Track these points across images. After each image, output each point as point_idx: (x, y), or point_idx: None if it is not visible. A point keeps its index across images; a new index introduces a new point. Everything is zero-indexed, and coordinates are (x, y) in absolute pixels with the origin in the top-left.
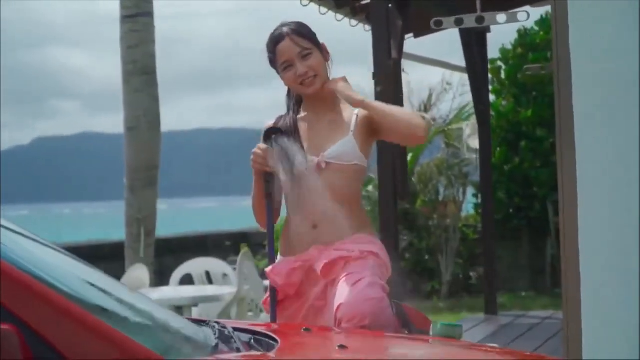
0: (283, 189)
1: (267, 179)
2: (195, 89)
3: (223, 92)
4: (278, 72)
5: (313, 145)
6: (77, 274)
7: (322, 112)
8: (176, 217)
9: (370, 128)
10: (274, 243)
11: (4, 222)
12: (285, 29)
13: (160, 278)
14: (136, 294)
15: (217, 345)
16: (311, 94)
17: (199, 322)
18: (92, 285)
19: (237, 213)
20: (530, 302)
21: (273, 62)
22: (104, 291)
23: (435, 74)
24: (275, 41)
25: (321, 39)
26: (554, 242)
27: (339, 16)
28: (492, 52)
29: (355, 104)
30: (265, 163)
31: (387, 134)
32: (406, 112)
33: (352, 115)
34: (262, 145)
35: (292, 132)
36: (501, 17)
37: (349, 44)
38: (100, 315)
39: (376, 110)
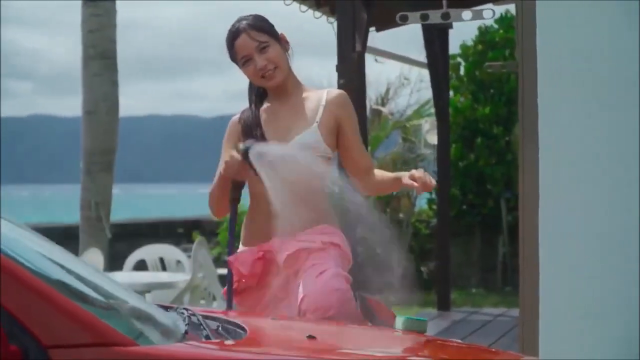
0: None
1: (235, 185)
2: (149, 75)
3: (177, 79)
4: (240, 67)
5: (277, 136)
6: (49, 255)
7: (286, 101)
8: (130, 202)
9: (334, 127)
10: (233, 245)
11: None
12: (241, 24)
13: (114, 263)
14: (108, 278)
15: (186, 332)
16: (273, 86)
17: (167, 309)
18: (66, 267)
19: (190, 200)
20: (480, 299)
21: (233, 57)
22: (76, 274)
23: (393, 68)
24: (232, 37)
25: (284, 30)
26: (506, 239)
27: (304, 7)
28: (452, 48)
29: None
30: (237, 173)
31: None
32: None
33: (318, 105)
34: (237, 156)
35: (254, 125)
36: (466, 14)
37: (312, 35)
38: (73, 298)
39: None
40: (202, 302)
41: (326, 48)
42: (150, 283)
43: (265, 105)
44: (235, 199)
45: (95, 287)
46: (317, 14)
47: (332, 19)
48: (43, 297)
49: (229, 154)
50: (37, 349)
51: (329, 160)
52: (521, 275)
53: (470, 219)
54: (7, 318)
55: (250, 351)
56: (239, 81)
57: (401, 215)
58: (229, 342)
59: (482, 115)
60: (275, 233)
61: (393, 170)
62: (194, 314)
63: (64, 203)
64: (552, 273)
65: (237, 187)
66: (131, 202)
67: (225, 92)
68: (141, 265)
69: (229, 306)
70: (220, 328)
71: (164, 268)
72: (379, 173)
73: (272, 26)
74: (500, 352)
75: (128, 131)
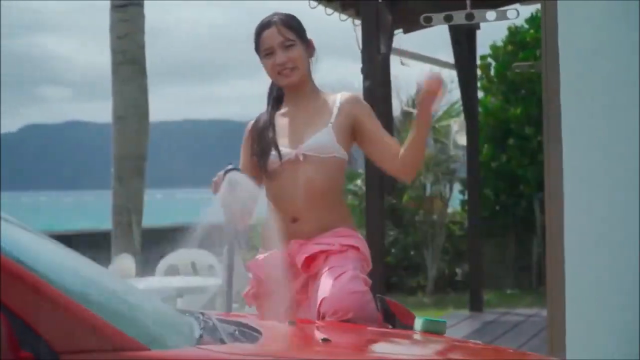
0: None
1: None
2: (182, 79)
3: (210, 83)
4: (260, 59)
5: (292, 139)
6: (63, 262)
7: (302, 104)
8: (163, 207)
9: (352, 125)
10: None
11: None
12: (274, 18)
13: (146, 268)
14: (123, 283)
15: (201, 336)
16: (287, 86)
17: (184, 313)
18: (80, 273)
19: None
20: (515, 300)
21: (257, 47)
22: (91, 280)
23: (423, 69)
24: (261, 27)
25: (310, 32)
26: (540, 240)
27: (329, 10)
28: (483, 48)
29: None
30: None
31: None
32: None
33: (332, 106)
34: (221, 174)
35: (267, 129)
36: (491, 14)
37: (337, 38)
38: (86, 304)
39: (425, 132)
40: (235, 305)
41: (353, 50)
42: (181, 288)
43: (282, 109)
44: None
45: (108, 292)
46: (343, 16)
47: (357, 22)
48: (54, 303)
49: (244, 158)
50: (49, 355)
51: (343, 162)
52: (548, 277)
53: (504, 219)
54: (19, 324)
55: (264, 355)
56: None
57: (434, 216)
58: (243, 346)
59: (513, 115)
60: (293, 237)
61: (426, 173)
62: (209, 318)
63: (99, 209)
64: (578, 275)
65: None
66: (165, 207)
67: (258, 95)
68: (173, 270)
69: (229, 308)
70: (236, 332)
71: (195, 273)
72: (402, 147)
73: (304, 30)
74: (524, 353)
75: (162, 136)
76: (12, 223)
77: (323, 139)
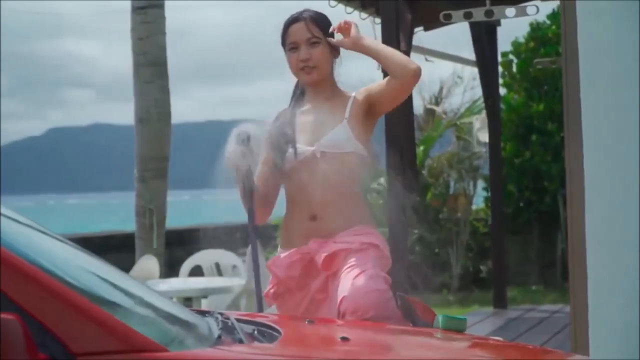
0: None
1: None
2: (206, 80)
3: (235, 83)
4: (285, 52)
5: (309, 136)
6: (81, 264)
7: (321, 103)
8: (186, 208)
9: (368, 108)
10: (257, 250)
11: (8, 213)
12: (305, 14)
13: (170, 269)
14: (140, 285)
15: (220, 336)
16: (307, 84)
17: (203, 313)
18: (96, 275)
19: None
20: (540, 296)
21: (283, 40)
22: (108, 282)
23: (446, 67)
24: (290, 21)
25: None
26: (564, 236)
27: (349, 9)
28: (504, 45)
29: (349, 43)
30: (237, 159)
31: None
32: (398, 53)
33: (347, 103)
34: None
35: (286, 125)
36: (510, 10)
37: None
38: (103, 306)
39: (370, 48)
40: None
41: None
42: (205, 288)
43: (303, 107)
44: (250, 209)
45: (125, 293)
46: (363, 15)
47: (378, 20)
48: (71, 305)
49: (264, 155)
50: (66, 357)
51: (361, 158)
52: (570, 273)
53: (528, 216)
54: (36, 327)
55: (283, 354)
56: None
57: (458, 214)
58: (262, 345)
59: (536, 112)
60: (313, 235)
61: (449, 171)
62: (228, 318)
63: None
64: (601, 271)
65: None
66: (189, 208)
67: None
68: (197, 271)
69: (260, 309)
70: (255, 331)
71: (219, 273)
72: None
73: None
74: (545, 350)
75: (187, 137)
76: (29, 226)
77: (340, 135)
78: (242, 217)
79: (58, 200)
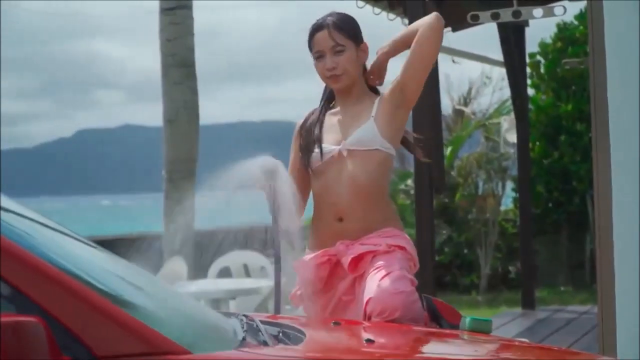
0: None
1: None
2: (236, 81)
3: (265, 84)
4: (313, 60)
5: (336, 137)
6: (104, 266)
7: (349, 104)
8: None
9: (397, 99)
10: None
11: (31, 215)
12: (328, 20)
13: (198, 271)
14: (165, 286)
15: (244, 338)
16: (337, 89)
17: (228, 315)
18: (120, 277)
19: None
20: (569, 297)
21: (310, 48)
22: (131, 283)
23: (475, 67)
24: (314, 29)
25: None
26: (592, 236)
27: (377, 10)
28: (532, 46)
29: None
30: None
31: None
32: (417, 28)
33: (374, 100)
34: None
35: (314, 126)
36: (538, 11)
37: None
38: (127, 308)
39: (396, 45)
40: (287, 307)
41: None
42: (234, 290)
43: (332, 108)
44: (275, 211)
45: (148, 295)
46: (391, 15)
47: (406, 21)
48: (95, 307)
49: (293, 156)
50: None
51: (388, 156)
52: (598, 274)
53: (557, 216)
54: (60, 329)
55: (307, 356)
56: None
57: (487, 214)
58: (286, 347)
59: (564, 112)
60: (340, 237)
61: (478, 171)
62: (253, 320)
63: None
64: (628, 272)
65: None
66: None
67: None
68: (225, 273)
69: (277, 311)
70: (280, 334)
71: (248, 274)
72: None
73: (358, 32)
74: (571, 352)
75: (217, 138)
76: (51, 228)
77: (366, 132)
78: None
79: (88, 202)
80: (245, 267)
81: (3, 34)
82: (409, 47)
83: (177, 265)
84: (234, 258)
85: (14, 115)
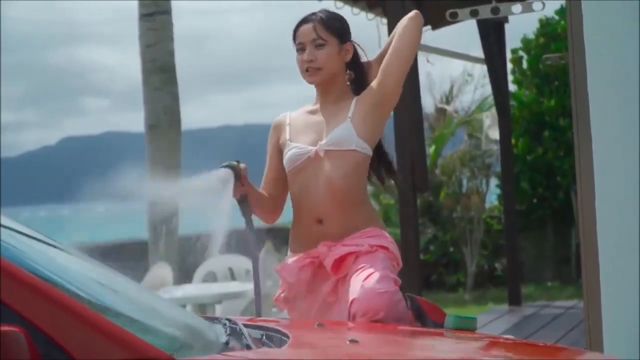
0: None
1: (240, 204)
2: (221, 86)
3: (250, 88)
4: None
5: (312, 137)
6: (85, 273)
7: (328, 103)
8: (198, 214)
9: (374, 99)
10: (258, 257)
11: (10, 224)
12: (315, 15)
13: (183, 276)
14: (146, 292)
15: (227, 342)
16: (311, 84)
17: (211, 320)
18: (101, 284)
19: None
20: (556, 292)
21: (293, 40)
22: (113, 290)
23: (456, 65)
24: (300, 22)
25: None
26: (578, 231)
27: (355, 10)
28: (514, 42)
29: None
30: (233, 194)
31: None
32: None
33: (351, 101)
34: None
35: (287, 125)
36: (516, 7)
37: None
38: (108, 315)
39: (381, 53)
40: (274, 310)
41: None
42: (220, 294)
43: (311, 107)
44: (245, 214)
45: (130, 301)
46: (370, 16)
47: (384, 21)
48: (76, 315)
49: (269, 154)
50: None
51: (365, 157)
52: (583, 270)
53: (542, 212)
54: (41, 338)
55: (291, 358)
56: (313, 87)
57: (472, 212)
58: (270, 350)
59: (547, 107)
60: (321, 239)
61: (461, 169)
62: (235, 324)
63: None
64: (613, 267)
65: (243, 203)
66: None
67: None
68: (211, 277)
69: (258, 314)
70: (263, 337)
71: (233, 278)
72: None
73: (344, 31)
74: (556, 347)
75: (202, 143)
76: (31, 236)
77: (342, 133)
78: (255, 221)
79: (70, 210)
80: (231, 270)
81: None
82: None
83: (162, 270)
84: (219, 262)
85: None
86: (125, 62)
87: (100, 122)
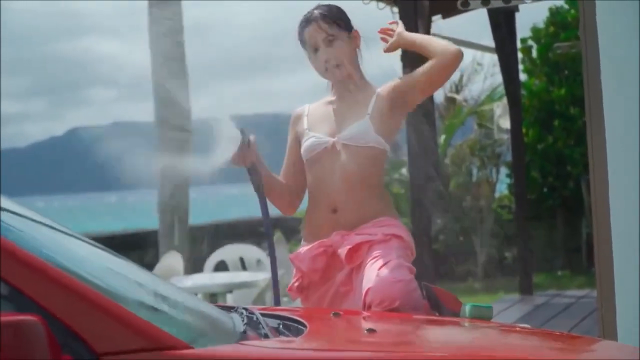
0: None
1: (250, 174)
2: (228, 75)
3: (258, 78)
4: (308, 57)
5: (330, 128)
6: (102, 262)
7: (347, 95)
8: (209, 204)
9: (395, 101)
10: (272, 234)
11: (27, 213)
12: (314, 13)
13: (194, 265)
14: (164, 282)
15: (245, 331)
16: (337, 82)
17: (227, 309)
18: (118, 273)
19: None
20: (566, 282)
21: (303, 44)
22: (130, 280)
23: (465, 54)
24: (303, 25)
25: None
26: (588, 220)
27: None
28: (524, 31)
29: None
30: (242, 160)
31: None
32: (439, 39)
33: (371, 97)
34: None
35: (306, 116)
36: None
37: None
38: (126, 304)
39: (414, 41)
40: (285, 299)
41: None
42: (230, 283)
43: (329, 98)
44: (257, 189)
45: (147, 291)
46: (381, 5)
47: (395, 9)
48: (94, 305)
49: (289, 145)
50: (90, 357)
51: (382, 152)
52: (596, 258)
53: (552, 201)
54: (59, 327)
55: (309, 348)
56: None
57: (482, 202)
58: (288, 339)
59: (557, 96)
60: (335, 228)
61: (471, 159)
62: (253, 313)
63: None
64: (626, 255)
65: (252, 174)
66: (211, 204)
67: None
68: (222, 266)
69: (277, 302)
70: (280, 326)
71: (244, 268)
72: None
73: (347, 20)
74: (573, 336)
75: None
76: (48, 225)
77: (360, 129)
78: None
79: (77, 200)
80: (242, 260)
81: None
82: (419, 53)
83: (173, 260)
84: (229, 252)
85: (6, 115)
86: (131, 52)
87: (107, 112)
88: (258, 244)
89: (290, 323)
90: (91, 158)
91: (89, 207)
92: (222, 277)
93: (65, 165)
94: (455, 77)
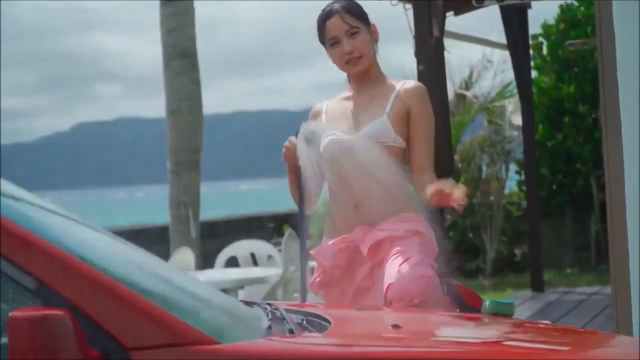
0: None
1: (298, 173)
2: (234, 71)
3: (264, 74)
4: (326, 49)
5: (350, 125)
6: (128, 257)
7: (365, 90)
8: (219, 199)
9: (405, 114)
10: (307, 230)
11: (56, 208)
12: (336, 6)
13: (205, 261)
14: (188, 277)
15: (270, 327)
16: (357, 75)
17: (251, 304)
18: (146, 269)
19: (279, 195)
20: (575, 279)
21: (321, 38)
22: (157, 275)
23: (475, 51)
24: (325, 17)
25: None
26: (597, 217)
27: None
28: (534, 28)
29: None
30: (295, 157)
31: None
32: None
33: (390, 95)
34: (293, 138)
35: (324, 113)
36: None
37: (389, 23)
38: (154, 299)
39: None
40: (296, 295)
41: (406, 35)
42: (242, 279)
43: (347, 94)
44: (299, 184)
45: (175, 287)
46: (394, 1)
47: (408, 6)
48: (122, 300)
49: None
50: (119, 352)
51: (401, 149)
52: (611, 254)
53: (561, 198)
54: (87, 322)
55: (335, 343)
56: (327, 73)
57: (491, 198)
58: (313, 335)
59: (567, 94)
60: (357, 224)
61: (481, 155)
62: (277, 309)
63: (154, 203)
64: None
65: (294, 170)
66: (221, 200)
67: (315, 84)
68: (233, 262)
69: (303, 299)
70: (304, 321)
71: (255, 263)
72: (427, 179)
73: (366, 14)
74: (596, 332)
75: (215, 128)
76: (77, 221)
77: (379, 128)
78: (275, 206)
79: (86, 195)
80: (253, 256)
81: (2, 30)
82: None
83: (185, 255)
84: (240, 247)
85: (13, 110)
86: (138, 48)
87: (113, 108)
88: (268, 239)
89: (314, 319)
90: (96, 152)
91: (95, 202)
92: (234, 273)
93: (72, 160)
94: (465, 73)
